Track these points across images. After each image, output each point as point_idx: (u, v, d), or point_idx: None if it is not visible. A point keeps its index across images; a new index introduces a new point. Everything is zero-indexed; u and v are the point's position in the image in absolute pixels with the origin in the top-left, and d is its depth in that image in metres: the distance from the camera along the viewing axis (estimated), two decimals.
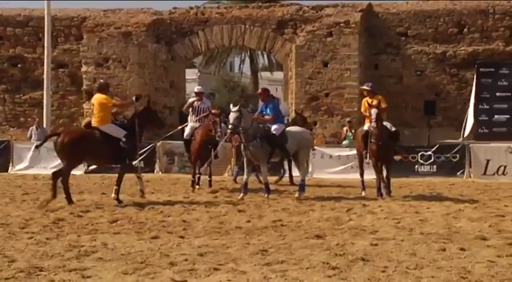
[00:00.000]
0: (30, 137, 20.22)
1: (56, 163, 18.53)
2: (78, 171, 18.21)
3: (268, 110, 12.56)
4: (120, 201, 11.43)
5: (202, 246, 7.52)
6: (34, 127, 20.44)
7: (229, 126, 12.03)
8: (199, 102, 14.15)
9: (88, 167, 18.31)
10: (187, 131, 14.04)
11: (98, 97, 11.75)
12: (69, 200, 11.25)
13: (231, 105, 12.14)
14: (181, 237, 8.16)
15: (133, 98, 12.13)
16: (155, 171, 18.09)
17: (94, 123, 11.64)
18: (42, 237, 8.03)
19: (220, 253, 7.18)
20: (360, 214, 10.22)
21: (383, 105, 12.36)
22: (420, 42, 22.73)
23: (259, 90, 13.40)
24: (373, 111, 12.06)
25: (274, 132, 12.19)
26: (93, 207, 10.92)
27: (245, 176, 12.31)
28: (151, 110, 12.24)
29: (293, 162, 13.88)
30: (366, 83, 13.75)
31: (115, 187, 11.63)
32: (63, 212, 10.32)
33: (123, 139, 11.42)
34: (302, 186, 12.45)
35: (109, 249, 7.42)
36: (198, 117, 13.98)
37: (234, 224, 9.25)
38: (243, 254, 7.14)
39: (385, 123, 12.39)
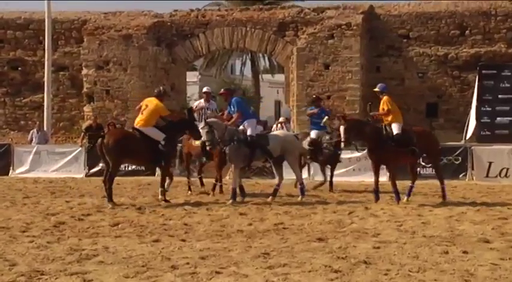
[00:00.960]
0: (31, 140, 20.23)
1: (56, 166, 18.69)
2: (78, 175, 18.27)
3: (232, 108, 12.41)
4: (167, 201, 11.90)
5: (204, 250, 7.51)
6: (35, 130, 20.46)
7: (206, 144, 11.92)
8: (207, 104, 13.96)
9: (89, 170, 18.36)
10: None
11: (154, 102, 12.03)
12: (110, 199, 11.58)
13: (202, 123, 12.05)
14: (183, 240, 8.16)
15: (186, 111, 13.04)
16: (156, 175, 18.06)
17: (137, 124, 12.02)
18: (43, 241, 8.03)
19: (222, 256, 7.17)
20: (362, 217, 10.20)
21: (385, 107, 12.24)
22: (422, 44, 22.75)
23: (221, 90, 13.06)
24: (341, 128, 12.11)
25: (249, 133, 12.01)
26: (94, 211, 10.92)
27: (234, 180, 12.24)
28: (192, 121, 12.59)
29: (275, 166, 13.37)
30: (378, 84, 13.48)
31: (160, 189, 12.12)
32: (64, 216, 10.32)
33: (162, 142, 11.82)
34: (302, 190, 12.45)
35: (110, 252, 7.42)
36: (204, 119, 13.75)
37: (236, 227, 9.24)
38: (245, 257, 7.13)
39: (393, 125, 12.12)
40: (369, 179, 16.38)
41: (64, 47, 24.67)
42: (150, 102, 12.13)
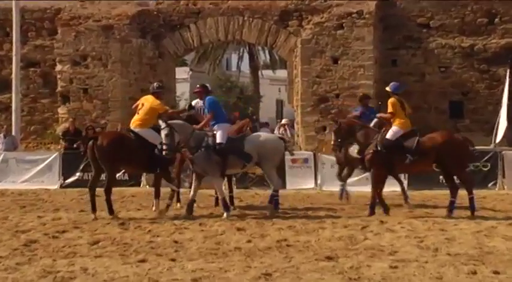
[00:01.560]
0: None
1: (27, 176, 18.69)
2: (52, 186, 18.26)
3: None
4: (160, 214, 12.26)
5: (197, 271, 7.52)
6: (1, 135, 20.46)
7: (164, 148, 11.87)
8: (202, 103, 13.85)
9: (64, 180, 18.37)
10: None
11: (150, 100, 12.32)
12: (111, 211, 11.97)
13: (160, 121, 12.05)
14: (173, 260, 8.17)
15: (186, 106, 13.18)
16: (141, 185, 18.09)
17: (132, 125, 12.23)
18: (12, 262, 8.04)
19: (217, 278, 7.18)
20: (377, 232, 10.22)
21: (388, 110, 12.56)
22: (444, 34, 22.78)
23: (196, 87, 13.08)
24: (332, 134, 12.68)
25: (218, 141, 11.96)
26: (71, 227, 10.93)
27: (191, 193, 12.26)
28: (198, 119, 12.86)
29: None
30: (390, 84, 13.67)
31: (154, 200, 12.60)
32: (36, 233, 10.32)
33: (159, 146, 12.01)
34: (275, 201, 12.37)
35: (89, 274, 7.43)
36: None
37: (233, 244, 9.26)
38: (244, 278, 7.14)
39: (391, 129, 12.32)
40: (384, 188, 16.41)
41: (35, 40, 24.69)
42: (146, 100, 12.36)
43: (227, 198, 12.63)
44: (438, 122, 22.29)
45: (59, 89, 23.29)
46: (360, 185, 17.29)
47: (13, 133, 21.36)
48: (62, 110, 23.18)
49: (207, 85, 13.31)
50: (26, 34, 24.35)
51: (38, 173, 18.68)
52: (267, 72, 47.16)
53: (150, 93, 12.55)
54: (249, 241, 9.50)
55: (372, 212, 12.15)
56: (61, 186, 18.31)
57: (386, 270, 7.48)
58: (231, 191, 13.61)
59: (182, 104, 34.33)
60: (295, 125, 23.47)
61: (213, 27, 23.68)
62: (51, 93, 24.15)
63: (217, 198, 13.62)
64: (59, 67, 23.19)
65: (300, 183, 17.63)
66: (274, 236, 9.93)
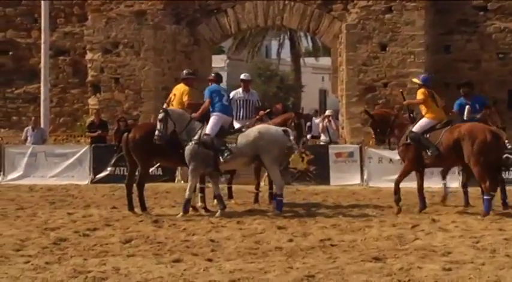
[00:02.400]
0: (26, 139, 20.51)
1: (56, 171, 18.93)
2: (83, 181, 18.48)
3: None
4: (207, 210, 12.47)
5: (235, 271, 7.54)
6: (30, 127, 20.73)
7: (156, 133, 11.92)
8: (247, 94, 13.82)
9: (95, 175, 18.57)
10: None
11: (180, 88, 12.70)
12: (143, 208, 12.26)
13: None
14: (209, 260, 8.21)
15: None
16: (176, 180, 18.20)
17: None
18: (41, 262, 8.14)
19: (257, 279, 7.19)
20: (429, 231, 10.15)
21: (416, 100, 12.77)
22: (503, 17, 22.46)
23: (210, 76, 13.01)
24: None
25: (206, 132, 11.93)
26: (102, 225, 11.04)
27: (214, 187, 12.27)
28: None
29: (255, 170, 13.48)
30: (418, 75, 14.12)
31: (200, 194, 12.70)
32: (66, 231, 10.45)
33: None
34: (279, 203, 12.10)
35: (122, 275, 7.49)
36: (246, 114, 13.61)
37: (273, 243, 9.27)
38: (285, 280, 7.14)
39: (421, 120, 12.42)
40: (435, 184, 16.29)
41: (64, 27, 24.97)
42: (178, 90, 12.69)
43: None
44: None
45: (89, 78, 23.53)
46: (409, 181, 17.21)
47: (41, 125, 21.63)
48: (92, 101, 23.42)
49: (221, 74, 13.28)
50: (55, 21, 24.62)
51: (67, 168, 18.90)
52: (310, 60, 47.09)
53: (181, 80, 12.84)
54: (291, 240, 9.50)
55: (423, 206, 12.31)
56: (92, 182, 18.50)
57: (439, 272, 7.43)
58: (271, 187, 13.60)
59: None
60: (339, 116, 23.38)
61: (251, 12, 23.68)
62: (81, 83, 24.41)
63: (257, 195, 13.66)
64: (89, 55, 23.43)
65: (344, 179, 17.57)
66: (317, 235, 9.92)
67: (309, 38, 40.57)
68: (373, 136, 13.13)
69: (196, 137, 11.97)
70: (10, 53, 25.36)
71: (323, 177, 17.61)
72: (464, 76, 22.01)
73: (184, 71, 13.06)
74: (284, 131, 12.17)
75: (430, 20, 22.11)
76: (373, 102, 21.64)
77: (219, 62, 41.48)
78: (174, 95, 12.64)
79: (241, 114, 13.66)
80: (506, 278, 7.17)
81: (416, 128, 12.30)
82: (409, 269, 7.56)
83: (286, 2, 23.37)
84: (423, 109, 12.55)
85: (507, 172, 16.14)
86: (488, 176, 11.75)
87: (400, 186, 14.94)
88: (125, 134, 12.40)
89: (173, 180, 18.16)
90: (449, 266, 7.71)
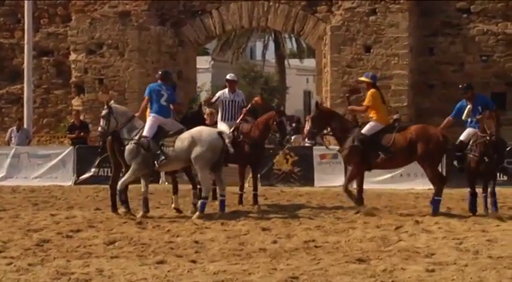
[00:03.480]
0: (9, 140, 20.42)
1: (39, 172, 18.85)
2: (66, 182, 18.41)
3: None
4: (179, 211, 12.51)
5: (219, 273, 7.54)
6: (14, 128, 20.64)
7: (98, 129, 12.10)
8: (232, 95, 13.76)
9: (78, 176, 18.51)
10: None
11: None
12: (127, 207, 12.21)
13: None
14: (193, 261, 8.20)
15: (197, 107, 13.57)
16: (160, 181, 18.17)
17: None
18: (24, 263, 8.10)
19: (241, 281, 7.20)
20: (412, 233, 10.18)
21: (365, 103, 12.67)
22: (486, 19, 22.58)
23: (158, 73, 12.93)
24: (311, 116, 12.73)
25: (144, 134, 11.84)
26: (85, 226, 11.01)
27: (142, 189, 12.18)
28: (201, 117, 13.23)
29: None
30: (366, 73, 14.01)
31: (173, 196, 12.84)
32: (49, 232, 10.41)
33: None
34: (202, 205, 11.92)
35: (105, 276, 7.47)
36: (232, 115, 13.52)
37: (257, 245, 9.27)
38: (269, 281, 7.14)
39: (368, 123, 12.51)
40: (419, 186, 16.38)
41: (48, 27, 24.87)
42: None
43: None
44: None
45: (73, 79, 23.44)
46: (393, 183, 17.29)
47: (25, 125, 21.53)
48: (76, 102, 23.34)
49: (168, 71, 13.13)
50: (39, 21, 24.52)
51: (51, 169, 18.84)
52: (294, 62, 47.13)
53: (158, 80, 12.71)
54: (275, 242, 9.51)
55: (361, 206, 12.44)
56: (75, 183, 18.44)
57: (422, 273, 7.45)
58: (255, 189, 13.60)
59: (203, 95, 34.43)
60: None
61: (236, 13, 23.68)
62: (64, 83, 24.32)
63: (241, 196, 13.66)
64: (73, 56, 23.34)
65: (329, 181, 17.60)
66: (301, 236, 9.93)
67: (293, 39, 40.65)
68: (307, 128, 12.81)
69: (137, 137, 11.92)
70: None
71: (307, 178, 17.65)
72: (448, 78, 22.20)
73: (163, 71, 12.96)
74: (219, 133, 12.01)
75: (414, 22, 22.19)
76: (357, 104, 21.61)
77: (203, 63, 41.48)
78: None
79: (227, 115, 13.64)
80: (488, 279, 7.20)
81: (365, 130, 12.39)
82: (393, 270, 7.58)
83: (271, 3, 23.39)
84: (371, 112, 12.58)
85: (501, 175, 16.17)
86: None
87: (384, 187, 15.01)
88: (110, 137, 12.33)
89: (157, 182, 18.12)
90: (433, 267, 7.74)
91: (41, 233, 10.36)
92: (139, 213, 12.02)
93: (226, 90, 13.89)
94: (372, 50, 21.79)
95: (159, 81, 12.42)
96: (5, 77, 25.09)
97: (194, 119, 13.10)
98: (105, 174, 17.81)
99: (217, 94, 14.02)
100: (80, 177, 18.51)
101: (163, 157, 11.81)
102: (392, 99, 21.47)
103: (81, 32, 23.17)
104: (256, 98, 13.89)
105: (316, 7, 23.13)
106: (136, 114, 12.43)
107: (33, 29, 22.88)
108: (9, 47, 25.07)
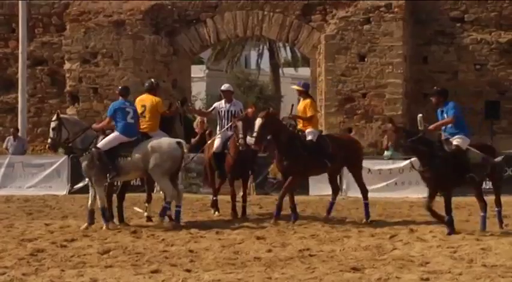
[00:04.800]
0: (7, 148, 20.41)
1: (34, 182, 18.81)
2: (60, 191, 18.38)
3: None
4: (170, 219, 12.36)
5: None
6: (11, 137, 20.62)
7: (48, 141, 12.05)
8: (228, 105, 13.68)
9: (73, 185, 18.48)
10: (217, 142, 13.54)
11: (150, 98, 12.49)
12: (121, 219, 12.31)
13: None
14: (188, 270, 8.20)
15: (178, 103, 13.22)
16: (155, 191, 18.12)
17: (144, 129, 12.27)
18: (18, 273, 8.09)
19: None
20: (407, 241, 10.20)
21: (309, 113, 12.73)
22: (480, 28, 22.66)
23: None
24: (258, 121, 12.27)
25: (98, 145, 11.72)
26: (80, 235, 10.99)
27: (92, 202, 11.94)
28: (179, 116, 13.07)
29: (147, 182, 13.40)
30: (298, 82, 14.17)
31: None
32: (43, 242, 10.40)
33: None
34: (163, 210, 11.91)
35: None
36: (229, 125, 13.39)
37: (252, 254, 9.27)
38: None
39: (308, 130, 12.68)
40: (414, 194, 16.39)
41: (42, 37, 24.85)
42: (146, 101, 12.46)
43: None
44: (473, 123, 22.07)
45: (67, 88, 23.43)
46: (387, 191, 17.30)
47: (20, 134, 21.49)
48: (70, 111, 23.28)
49: (126, 88, 13.01)
50: (33, 30, 24.52)
51: (45, 178, 18.81)
52: (289, 71, 47.14)
53: (146, 91, 12.67)
54: (269, 251, 9.51)
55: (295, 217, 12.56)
56: (69, 192, 18.40)
57: None
58: (244, 200, 13.54)
59: (198, 104, 34.46)
60: (318, 126, 23.43)
61: (230, 23, 23.72)
62: (59, 93, 24.30)
63: (244, 207, 13.58)
64: (67, 65, 23.33)
65: (323, 189, 17.51)
66: (296, 245, 9.94)
67: (288, 48, 40.67)
68: (255, 133, 12.43)
69: (91, 147, 11.84)
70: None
71: (302, 187, 17.59)
72: (442, 87, 22.21)
73: (153, 81, 12.89)
74: (178, 143, 11.91)
75: (408, 31, 22.25)
76: (351, 113, 21.73)
77: (198, 72, 41.49)
78: (143, 105, 12.38)
79: (224, 125, 13.60)
80: None
81: (311, 138, 12.64)
82: (387, 279, 7.59)
83: (266, 12, 23.43)
84: (309, 122, 12.77)
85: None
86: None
87: (378, 196, 15.03)
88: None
89: (152, 191, 18.08)
90: (427, 276, 7.75)
91: (35, 242, 10.35)
92: (84, 225, 11.76)
93: (223, 101, 13.88)
94: (366, 59, 21.83)
95: (120, 98, 12.16)
96: None
97: (168, 121, 12.81)
98: None
99: (214, 104, 14.06)
100: (74, 187, 18.47)
101: (112, 174, 11.67)
102: (386, 108, 21.52)
103: (75, 41, 23.17)
104: (248, 110, 13.70)
105: (311, 16, 23.18)
106: (94, 126, 12.42)
107: (27, 39, 22.89)
108: (4, 57, 25.04)
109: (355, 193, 16.95)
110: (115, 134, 11.88)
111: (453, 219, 11.06)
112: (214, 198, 13.84)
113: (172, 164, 11.80)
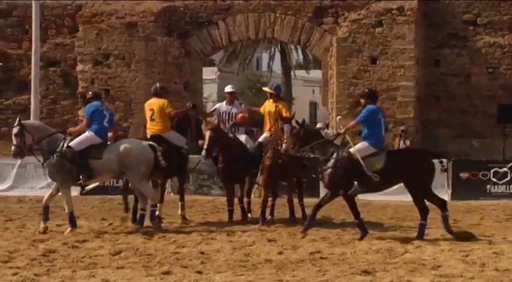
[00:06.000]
0: None
1: (46, 182, 18.82)
2: (72, 193, 18.37)
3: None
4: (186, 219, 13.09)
5: None
6: None
7: (12, 148, 11.82)
8: (230, 107, 13.63)
9: (83, 187, 18.49)
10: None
11: (157, 102, 12.77)
12: (135, 219, 12.38)
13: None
14: (199, 272, 8.20)
15: (190, 105, 13.35)
16: (166, 192, 18.14)
17: (155, 131, 12.60)
18: (30, 274, 8.11)
19: None
20: (418, 245, 10.17)
21: (285, 115, 12.68)
22: (493, 32, 22.59)
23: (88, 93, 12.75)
24: (286, 127, 12.09)
25: (70, 144, 11.59)
26: (92, 236, 11.03)
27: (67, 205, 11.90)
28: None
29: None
30: (270, 83, 14.29)
31: (180, 202, 13.25)
32: (55, 242, 10.42)
33: (185, 147, 12.72)
34: (140, 217, 11.77)
35: None
36: (229, 126, 13.36)
37: (263, 256, 9.27)
38: None
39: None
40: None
41: (55, 38, 24.95)
42: (154, 104, 12.74)
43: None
44: (485, 127, 22.09)
45: (79, 89, 23.49)
46: (399, 194, 17.25)
47: None
48: (82, 112, 23.34)
49: (98, 92, 13.17)
50: (46, 32, 24.60)
51: None
52: (300, 73, 47.13)
53: (152, 95, 12.92)
54: (281, 253, 9.50)
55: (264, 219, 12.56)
56: (81, 193, 18.39)
57: None
58: (241, 201, 13.45)
59: (209, 106, 34.45)
60: (329, 129, 23.41)
61: (242, 25, 23.74)
62: (71, 94, 24.38)
63: (248, 207, 13.59)
64: (79, 67, 23.41)
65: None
66: (307, 247, 9.92)
67: (299, 50, 40.65)
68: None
69: (58, 149, 11.67)
70: (0, 64, 25.31)
71: (313, 189, 17.59)
72: (454, 90, 22.21)
73: (157, 85, 13.08)
74: (150, 145, 11.76)
75: (421, 34, 22.21)
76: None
77: (209, 74, 41.50)
78: (151, 109, 12.66)
79: (225, 127, 13.54)
80: None
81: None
82: None
83: (278, 14, 23.44)
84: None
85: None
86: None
87: (390, 199, 15.02)
88: None
89: (164, 192, 18.11)
90: (439, 279, 7.72)
91: (47, 243, 10.38)
92: (68, 229, 11.67)
93: (224, 102, 13.91)
94: (378, 62, 21.80)
95: (95, 101, 12.08)
96: (12, 87, 25.17)
97: (183, 122, 13.03)
98: (111, 184, 17.84)
99: (215, 105, 14.15)
100: (86, 188, 18.48)
101: (84, 177, 11.64)
102: (398, 111, 21.48)
103: (88, 42, 23.24)
104: (239, 115, 13.38)
105: (323, 19, 23.17)
106: (70, 129, 12.42)
107: (40, 40, 22.94)
108: (17, 58, 25.16)
109: (367, 196, 16.99)
110: (88, 133, 11.73)
111: (363, 223, 11.08)
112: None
113: (147, 167, 11.65)
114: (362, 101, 11.36)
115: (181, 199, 13.33)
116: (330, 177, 10.98)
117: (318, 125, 23.19)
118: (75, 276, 8.00)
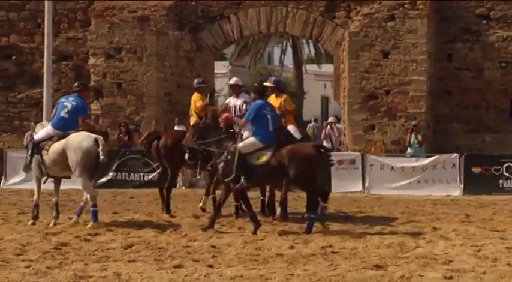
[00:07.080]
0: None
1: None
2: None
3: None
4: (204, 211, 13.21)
5: (236, 278, 7.55)
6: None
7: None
8: (235, 99, 13.55)
9: (96, 180, 18.56)
10: None
11: (195, 97, 13.46)
12: (168, 210, 12.97)
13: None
14: (210, 266, 8.22)
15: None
16: (177, 186, 18.21)
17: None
18: (42, 266, 8.16)
19: None
20: (430, 239, 10.16)
21: (289, 108, 12.85)
22: (506, 26, 22.46)
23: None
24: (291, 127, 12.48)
25: (35, 136, 11.81)
26: (103, 230, 11.06)
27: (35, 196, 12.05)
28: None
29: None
30: (269, 77, 14.21)
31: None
32: (67, 236, 10.47)
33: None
34: (93, 214, 11.49)
35: (122, 280, 7.51)
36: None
37: (274, 250, 9.28)
38: None
39: (289, 127, 12.61)
40: (437, 192, 16.34)
41: (67, 32, 25.00)
42: (193, 99, 13.45)
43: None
44: (497, 122, 22.00)
45: (91, 83, 23.51)
46: (410, 189, 17.24)
47: None
48: (94, 106, 23.42)
49: (91, 86, 13.29)
50: (58, 26, 24.65)
51: None
52: (312, 67, 47.13)
53: (195, 90, 13.65)
54: (292, 247, 9.51)
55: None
56: (93, 187, 18.46)
57: (440, 280, 7.43)
58: (263, 194, 13.42)
59: (221, 100, 34.48)
60: (341, 123, 23.39)
61: (254, 19, 23.71)
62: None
63: (263, 201, 13.47)
64: (91, 60, 23.46)
65: (346, 186, 17.59)
66: (318, 242, 9.92)
67: (311, 45, 40.64)
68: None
69: (29, 141, 12.05)
70: (13, 57, 25.37)
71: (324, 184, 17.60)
72: (467, 84, 22.11)
73: (195, 80, 13.88)
74: (95, 139, 11.45)
75: (433, 28, 22.12)
76: (374, 110, 21.64)
77: (221, 68, 41.55)
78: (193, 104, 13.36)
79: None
80: None
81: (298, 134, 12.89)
82: (410, 277, 7.56)
83: (289, 9, 23.39)
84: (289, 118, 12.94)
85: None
86: None
87: (401, 193, 14.97)
88: (155, 142, 13.18)
89: (175, 186, 18.16)
90: (451, 274, 7.71)
91: (59, 236, 10.43)
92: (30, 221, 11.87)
93: (233, 95, 13.91)
94: (390, 56, 21.73)
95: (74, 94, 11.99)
96: (25, 81, 25.23)
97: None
98: (123, 178, 17.90)
99: (226, 100, 14.27)
100: (98, 181, 18.56)
101: (25, 166, 11.91)
102: (410, 105, 21.41)
103: (100, 36, 23.28)
104: (223, 115, 12.75)
105: (335, 13, 23.10)
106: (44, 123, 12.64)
107: (52, 34, 22.98)
108: (29, 52, 25.22)
109: (379, 190, 17.00)
110: (49, 125, 11.90)
111: (255, 215, 11.17)
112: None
113: (87, 160, 11.41)
114: (252, 95, 11.84)
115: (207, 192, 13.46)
116: (222, 170, 11.31)
117: (330, 119, 23.14)
118: (87, 269, 8.04)
